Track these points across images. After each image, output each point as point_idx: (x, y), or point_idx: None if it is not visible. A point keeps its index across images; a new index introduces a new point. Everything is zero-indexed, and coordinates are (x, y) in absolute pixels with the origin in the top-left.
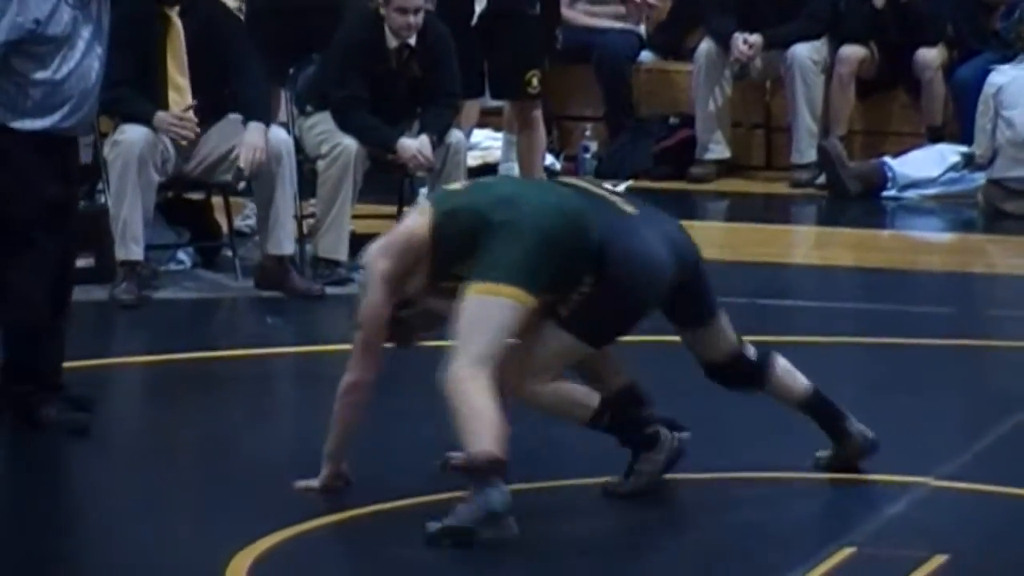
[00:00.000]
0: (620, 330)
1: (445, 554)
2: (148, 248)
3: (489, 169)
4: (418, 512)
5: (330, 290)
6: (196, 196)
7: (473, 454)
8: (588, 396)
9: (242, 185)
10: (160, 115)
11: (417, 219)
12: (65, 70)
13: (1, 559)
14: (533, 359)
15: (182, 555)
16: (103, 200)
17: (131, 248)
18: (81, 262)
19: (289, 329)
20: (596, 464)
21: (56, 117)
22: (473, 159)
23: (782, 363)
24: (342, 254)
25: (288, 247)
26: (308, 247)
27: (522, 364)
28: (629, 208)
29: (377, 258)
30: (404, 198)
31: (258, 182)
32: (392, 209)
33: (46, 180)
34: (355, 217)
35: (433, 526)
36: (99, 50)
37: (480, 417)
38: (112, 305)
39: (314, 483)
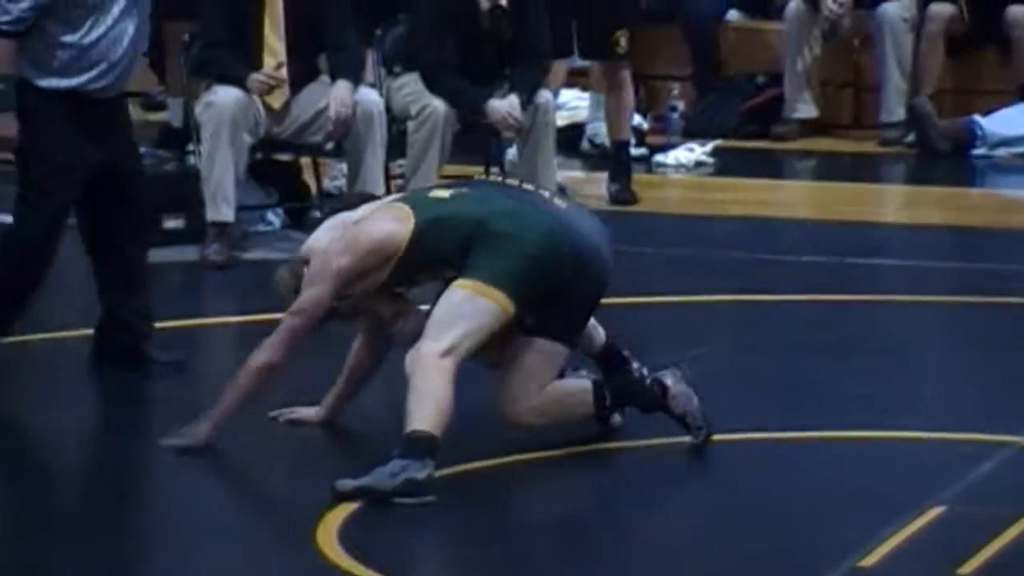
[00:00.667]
0: (586, 320)
1: (522, 520)
2: (238, 209)
3: (577, 129)
4: (496, 474)
5: None
6: (286, 157)
7: (416, 431)
8: (579, 386)
9: (331, 146)
10: (253, 76)
11: (398, 226)
12: (95, 35)
13: (94, 507)
14: (535, 376)
15: (275, 512)
16: (193, 162)
17: (222, 209)
18: (171, 223)
19: None
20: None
21: (83, 79)
22: (561, 119)
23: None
24: None
25: None
26: None
27: (521, 387)
28: (560, 203)
29: (339, 253)
30: (491, 158)
31: (347, 143)
32: (479, 170)
33: (74, 139)
34: (443, 178)
35: (346, 483)
36: (135, 17)
37: (434, 400)
38: (202, 265)
39: (182, 441)
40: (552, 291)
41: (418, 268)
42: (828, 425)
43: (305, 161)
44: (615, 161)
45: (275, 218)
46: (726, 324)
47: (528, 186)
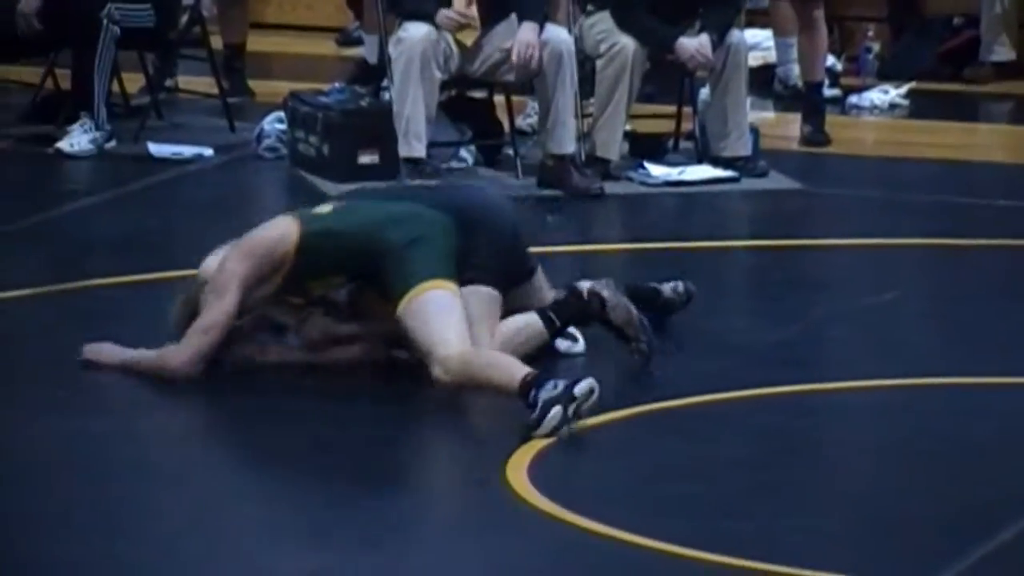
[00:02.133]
0: (504, 265)
1: (714, 458)
2: (430, 146)
3: (770, 70)
4: (687, 413)
5: (609, 188)
6: (479, 95)
7: (525, 375)
8: (525, 318)
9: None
10: (442, 12)
11: (284, 232)
12: None
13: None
14: (483, 319)
15: (463, 447)
16: (387, 97)
17: (413, 145)
18: (366, 158)
19: (569, 227)
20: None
21: None
22: (754, 60)
23: None
24: (615, 153)
25: (569, 146)
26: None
27: (476, 331)
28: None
29: (236, 260)
30: (683, 99)
31: (538, 82)
32: (671, 109)
33: None
34: (634, 117)
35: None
36: None
37: (498, 361)
38: None
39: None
40: (463, 256)
41: (311, 277)
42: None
43: (499, 99)
44: (808, 102)
45: (468, 155)
46: (919, 268)
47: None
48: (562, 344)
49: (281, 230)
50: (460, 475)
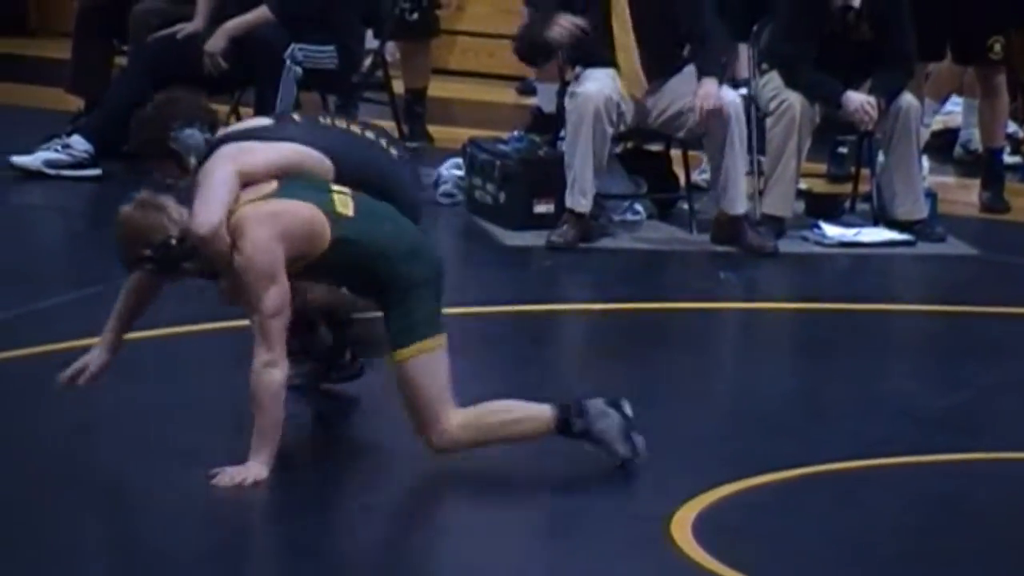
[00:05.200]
0: None
1: (880, 523)
2: (605, 197)
3: (951, 134)
4: (854, 476)
5: (783, 247)
6: (656, 148)
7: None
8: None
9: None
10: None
11: (319, 228)
12: None
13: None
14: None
15: (626, 503)
16: (563, 147)
17: (578, 199)
18: (541, 208)
19: (741, 284)
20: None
21: None
22: (936, 124)
23: None
24: (787, 211)
25: (740, 207)
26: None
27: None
28: (395, 151)
29: (275, 241)
30: (862, 161)
31: (707, 142)
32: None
33: None
34: (806, 176)
35: None
36: None
37: (510, 414)
38: (546, 247)
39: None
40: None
41: (312, 276)
42: None
43: (676, 152)
44: (987, 168)
45: (642, 208)
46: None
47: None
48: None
49: (316, 226)
50: (624, 534)
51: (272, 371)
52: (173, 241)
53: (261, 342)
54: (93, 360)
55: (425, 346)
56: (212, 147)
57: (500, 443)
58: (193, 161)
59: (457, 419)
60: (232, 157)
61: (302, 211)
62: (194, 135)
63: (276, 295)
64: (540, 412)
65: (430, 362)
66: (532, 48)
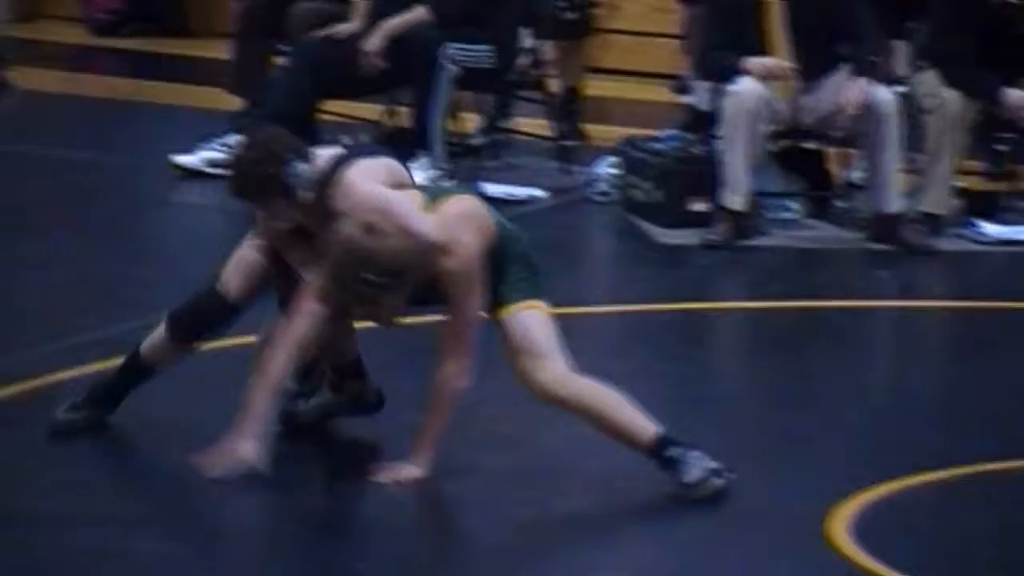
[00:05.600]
0: None
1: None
2: (760, 195)
3: None
4: (1021, 476)
5: (940, 245)
6: (811, 146)
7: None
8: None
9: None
10: (755, 61)
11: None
12: None
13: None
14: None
15: (781, 502)
16: (718, 146)
17: (731, 198)
18: (696, 206)
19: (897, 282)
20: None
21: None
22: None
23: None
24: (944, 209)
25: (894, 205)
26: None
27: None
28: None
29: (477, 247)
30: (1021, 159)
31: (863, 140)
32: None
33: None
34: (963, 173)
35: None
36: None
37: (622, 407)
38: (702, 245)
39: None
40: None
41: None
42: None
43: (831, 150)
44: None
45: (797, 206)
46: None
47: None
48: None
49: (484, 213)
50: (779, 533)
51: (461, 380)
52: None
53: (456, 348)
54: None
55: (535, 304)
56: (323, 179)
57: (591, 421)
58: (306, 194)
59: (564, 370)
60: (369, 177)
61: (471, 205)
62: (304, 168)
63: (478, 301)
64: (644, 427)
65: (541, 316)
66: (722, 73)
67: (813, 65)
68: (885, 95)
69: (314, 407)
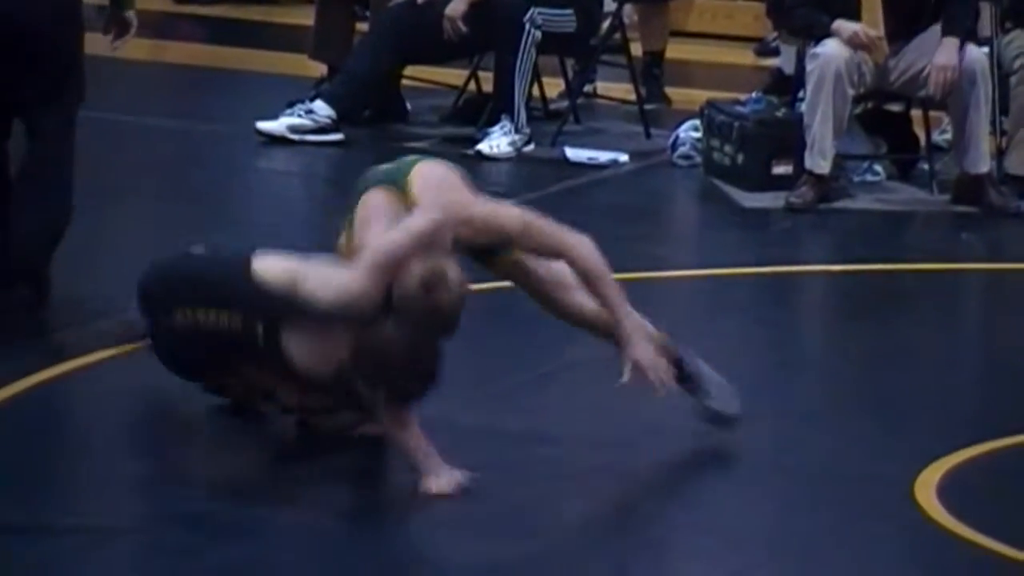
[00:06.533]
0: None
1: None
2: (844, 158)
3: None
4: None
5: None
6: (896, 108)
7: None
8: None
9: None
10: (847, 26)
11: None
12: None
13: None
14: None
15: (869, 466)
16: (802, 109)
17: (817, 161)
18: (779, 169)
19: (983, 245)
20: None
21: None
22: None
23: None
24: None
25: (983, 166)
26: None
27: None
28: None
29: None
30: None
31: (952, 100)
32: None
33: None
34: None
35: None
36: None
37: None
38: (785, 208)
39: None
40: None
41: None
42: None
43: (916, 113)
44: None
45: (881, 169)
46: None
47: None
48: None
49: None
50: (868, 497)
51: (587, 248)
52: None
53: (557, 247)
54: None
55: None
56: None
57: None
58: None
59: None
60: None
61: (435, 171)
62: None
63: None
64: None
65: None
66: (809, 33)
67: (902, 25)
68: (977, 55)
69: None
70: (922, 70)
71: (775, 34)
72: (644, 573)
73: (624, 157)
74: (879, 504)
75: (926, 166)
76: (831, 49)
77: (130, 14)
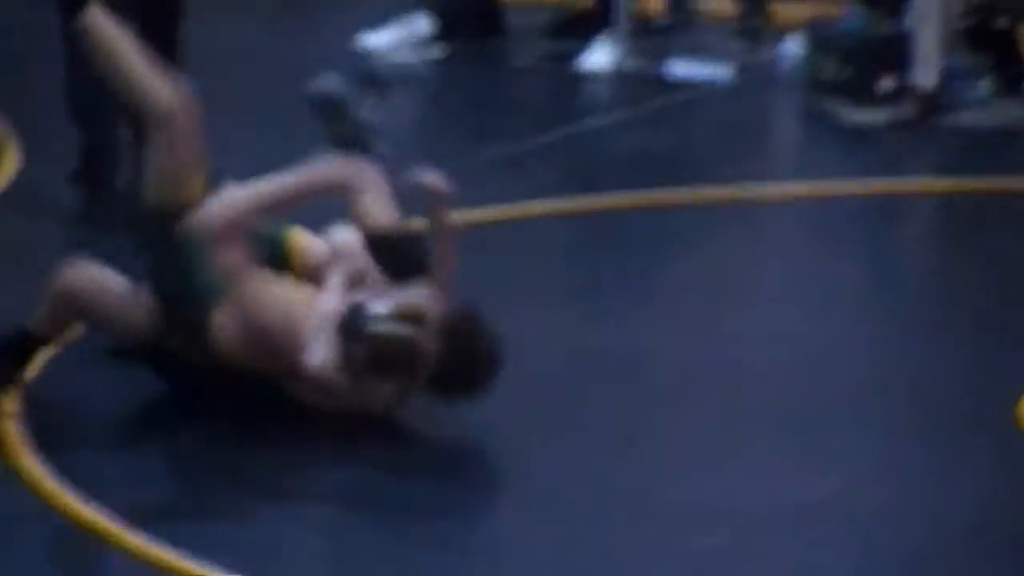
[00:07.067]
0: None
1: None
2: (948, 74)
3: None
4: None
5: None
6: (1002, 23)
7: None
8: None
9: None
10: None
11: None
12: None
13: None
14: None
15: (973, 383)
16: (907, 23)
17: (921, 76)
18: (884, 84)
19: None
20: None
21: None
22: None
23: None
24: None
25: None
26: None
27: None
28: None
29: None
30: None
31: None
32: None
33: None
34: None
35: None
36: None
37: None
38: (889, 125)
39: None
40: None
41: None
42: None
43: (1022, 29)
44: None
45: (986, 86)
46: None
47: None
48: None
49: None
50: (969, 414)
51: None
52: None
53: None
54: None
55: None
56: None
57: None
58: None
59: None
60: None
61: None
62: None
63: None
64: None
65: None
66: None
67: None
68: None
69: None
70: None
71: None
72: (750, 491)
73: (726, 74)
74: (979, 421)
75: None
76: None
77: None
